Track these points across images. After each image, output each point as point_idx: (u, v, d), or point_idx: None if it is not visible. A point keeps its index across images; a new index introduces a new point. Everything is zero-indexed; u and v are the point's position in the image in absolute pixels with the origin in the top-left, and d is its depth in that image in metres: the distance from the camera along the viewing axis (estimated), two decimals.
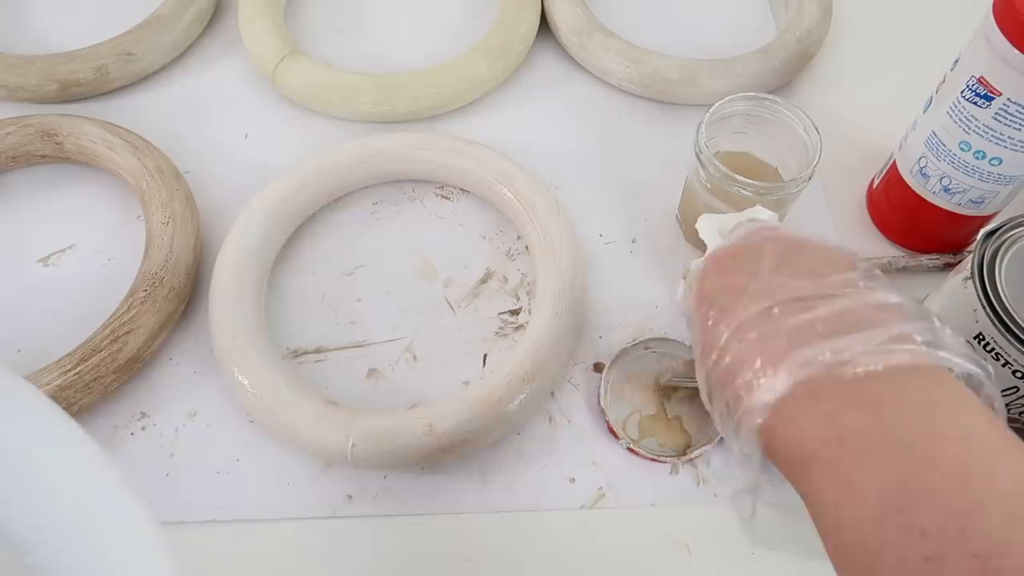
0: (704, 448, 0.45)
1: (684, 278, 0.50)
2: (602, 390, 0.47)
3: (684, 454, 0.46)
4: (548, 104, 0.62)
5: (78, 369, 0.46)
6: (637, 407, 0.48)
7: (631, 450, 0.46)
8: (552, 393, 0.49)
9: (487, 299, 0.52)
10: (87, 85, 0.61)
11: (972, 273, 0.38)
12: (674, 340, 0.49)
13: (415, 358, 0.50)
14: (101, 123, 0.57)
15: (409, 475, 0.46)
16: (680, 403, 0.48)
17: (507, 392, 0.45)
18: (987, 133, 0.43)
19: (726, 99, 0.48)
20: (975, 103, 0.43)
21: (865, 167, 0.57)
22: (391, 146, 0.56)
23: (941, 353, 0.26)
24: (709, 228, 0.47)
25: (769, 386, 0.27)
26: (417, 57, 0.65)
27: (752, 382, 0.28)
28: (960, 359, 0.26)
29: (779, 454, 0.28)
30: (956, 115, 0.44)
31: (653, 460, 0.46)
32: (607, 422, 0.47)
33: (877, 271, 0.30)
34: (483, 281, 0.53)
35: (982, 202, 0.48)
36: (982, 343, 0.38)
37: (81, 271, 0.54)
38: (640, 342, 0.49)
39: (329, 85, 0.60)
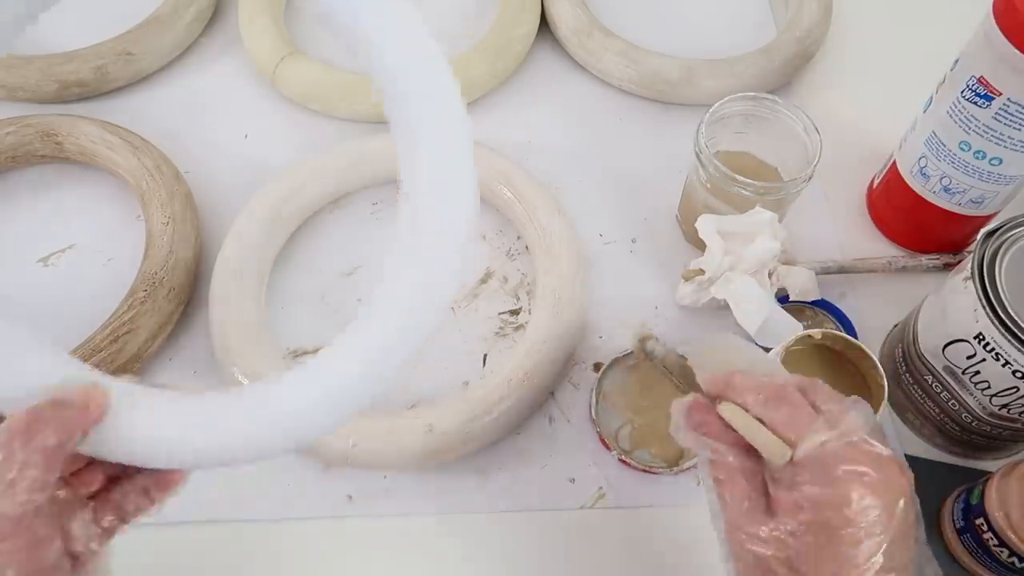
0: (696, 460, 0.45)
1: (684, 278, 0.50)
2: (593, 400, 0.47)
3: (676, 465, 0.45)
4: (548, 104, 0.62)
5: None
6: (629, 417, 0.47)
7: (623, 461, 0.46)
8: (552, 393, 0.49)
9: (487, 299, 0.52)
10: (87, 85, 0.61)
11: (972, 273, 0.38)
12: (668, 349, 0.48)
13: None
14: (101, 123, 0.57)
15: (409, 475, 0.46)
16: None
17: (507, 392, 0.45)
18: (987, 133, 0.43)
19: (726, 99, 0.48)
20: (975, 103, 0.43)
21: (865, 167, 0.57)
22: (391, 146, 0.56)
23: None
24: (709, 228, 0.47)
25: None
26: None
27: None
28: None
29: None
30: (956, 115, 0.44)
31: (645, 471, 0.45)
32: (599, 433, 0.46)
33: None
34: (483, 281, 0.53)
35: (982, 202, 0.48)
36: (982, 343, 0.38)
37: (81, 271, 0.54)
38: (632, 351, 0.49)
39: (329, 85, 0.60)
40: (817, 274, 0.50)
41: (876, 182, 0.55)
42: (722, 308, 0.48)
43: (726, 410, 0.31)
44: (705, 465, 0.32)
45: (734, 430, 0.31)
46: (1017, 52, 0.39)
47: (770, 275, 0.48)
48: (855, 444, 0.29)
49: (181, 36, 0.64)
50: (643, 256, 0.54)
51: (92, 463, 0.30)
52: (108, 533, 0.31)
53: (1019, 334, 0.36)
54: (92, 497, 0.31)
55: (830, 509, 0.28)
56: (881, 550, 0.27)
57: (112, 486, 0.31)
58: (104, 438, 0.29)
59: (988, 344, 0.38)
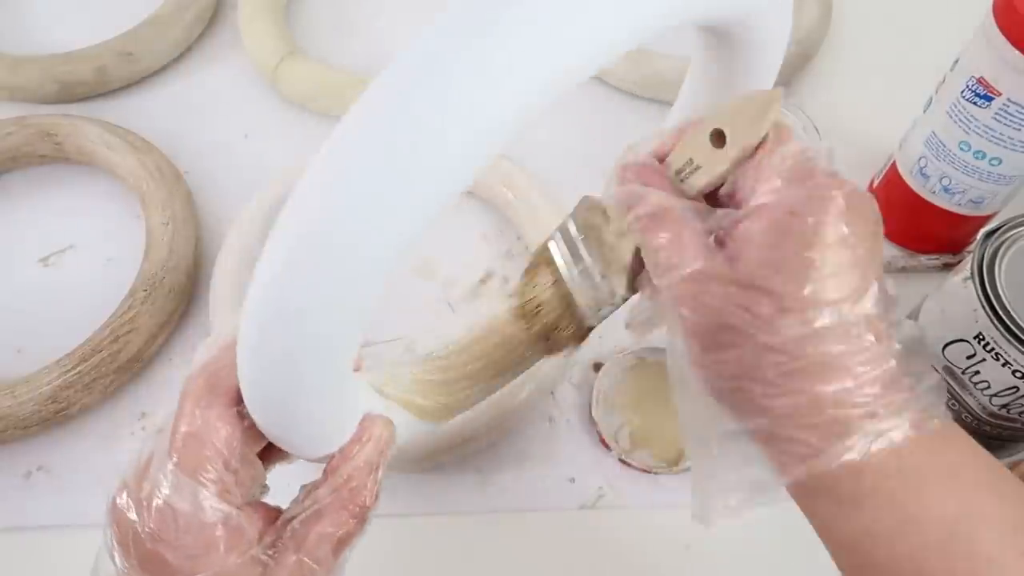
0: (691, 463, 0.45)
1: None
2: (593, 400, 0.47)
3: (677, 464, 0.45)
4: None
5: (78, 369, 0.46)
6: (629, 417, 0.47)
7: (623, 461, 0.46)
8: (552, 393, 0.49)
9: (487, 299, 0.52)
10: (87, 85, 0.61)
11: (972, 273, 0.38)
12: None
13: None
14: (101, 123, 0.57)
15: (409, 475, 0.46)
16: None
17: (507, 392, 0.45)
18: (987, 133, 0.43)
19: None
20: (975, 103, 0.43)
21: (865, 167, 0.57)
22: None
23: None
24: None
25: (887, 428, 0.24)
26: None
27: (863, 415, 0.24)
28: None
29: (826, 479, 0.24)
30: (956, 115, 0.44)
31: (645, 472, 0.45)
32: (599, 433, 0.46)
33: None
34: (483, 281, 0.53)
35: (982, 202, 0.48)
36: (982, 343, 0.38)
37: (81, 271, 0.54)
38: (632, 352, 0.49)
39: (329, 85, 0.60)
40: None
41: (876, 182, 0.55)
42: None
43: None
44: (641, 232, 0.27)
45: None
46: (1017, 52, 0.39)
47: None
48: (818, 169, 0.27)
49: (181, 36, 0.64)
50: None
51: None
52: None
53: (1019, 334, 0.36)
54: None
55: (793, 213, 0.25)
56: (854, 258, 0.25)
57: None
58: None
59: (988, 344, 0.38)
